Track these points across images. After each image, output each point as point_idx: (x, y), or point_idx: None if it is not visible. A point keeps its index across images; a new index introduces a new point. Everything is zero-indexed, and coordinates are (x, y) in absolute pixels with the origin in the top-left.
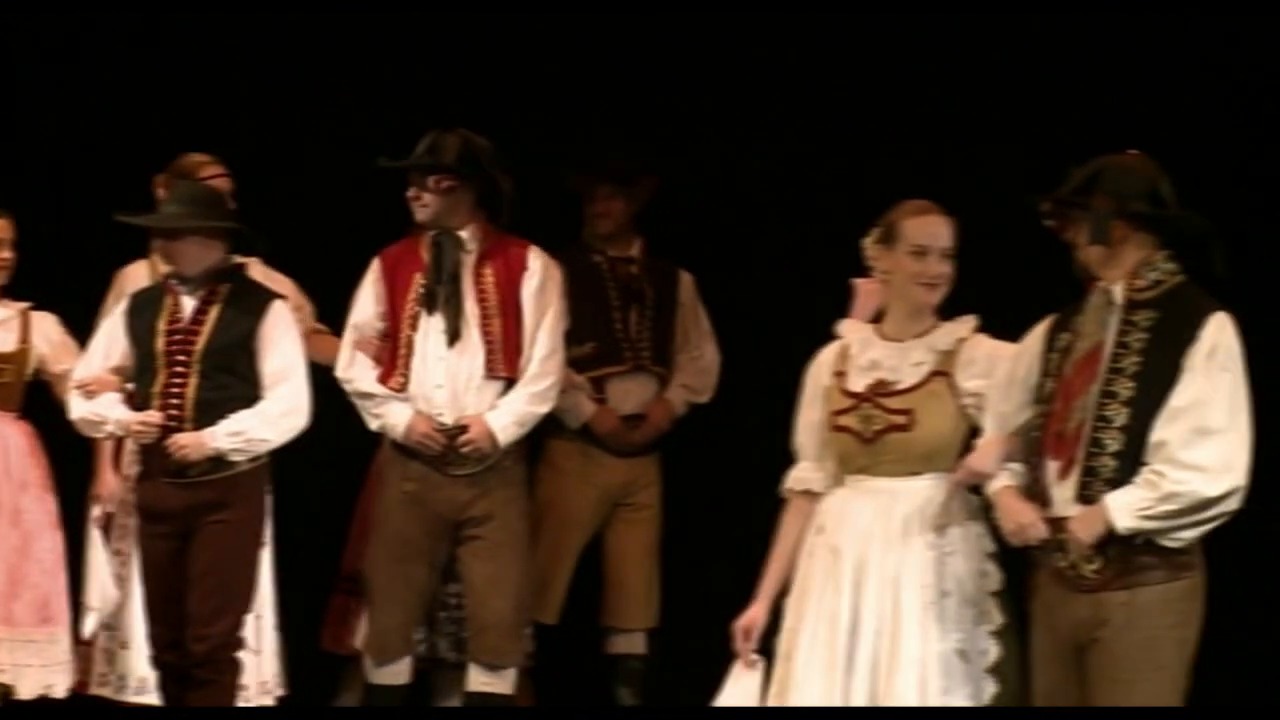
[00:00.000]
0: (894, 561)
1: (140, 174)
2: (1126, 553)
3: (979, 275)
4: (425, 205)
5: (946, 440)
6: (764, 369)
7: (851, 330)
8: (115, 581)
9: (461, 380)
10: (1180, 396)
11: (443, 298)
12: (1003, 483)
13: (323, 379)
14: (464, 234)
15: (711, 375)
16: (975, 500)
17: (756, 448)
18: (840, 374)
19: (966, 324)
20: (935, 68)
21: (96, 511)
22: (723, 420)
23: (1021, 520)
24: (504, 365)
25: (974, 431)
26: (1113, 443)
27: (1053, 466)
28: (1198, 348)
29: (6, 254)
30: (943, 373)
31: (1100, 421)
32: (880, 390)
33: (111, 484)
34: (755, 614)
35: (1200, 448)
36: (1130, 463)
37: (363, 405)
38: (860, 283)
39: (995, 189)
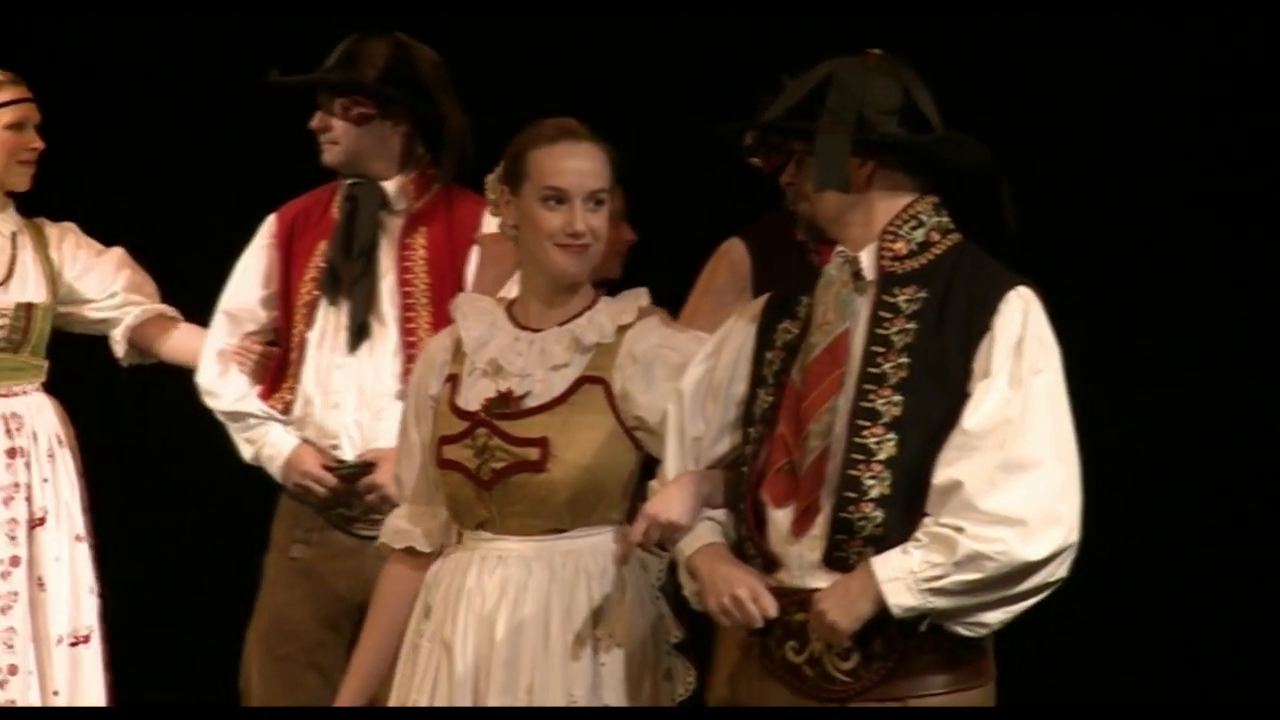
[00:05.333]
0: (528, 666)
1: None
2: (899, 645)
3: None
4: (334, 140)
5: (600, 482)
6: None
7: (470, 311)
8: None
9: (369, 399)
10: (975, 415)
11: (350, 278)
12: (702, 540)
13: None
14: (389, 186)
15: None
16: (656, 569)
17: None
18: (453, 379)
19: (633, 301)
20: None
21: None
22: None
23: (736, 591)
24: None
25: (648, 466)
26: (875, 484)
27: (780, 517)
28: (994, 341)
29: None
30: (596, 378)
31: (855, 453)
32: (502, 409)
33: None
34: None
35: (1012, 490)
36: (903, 512)
37: (232, 427)
38: (485, 237)
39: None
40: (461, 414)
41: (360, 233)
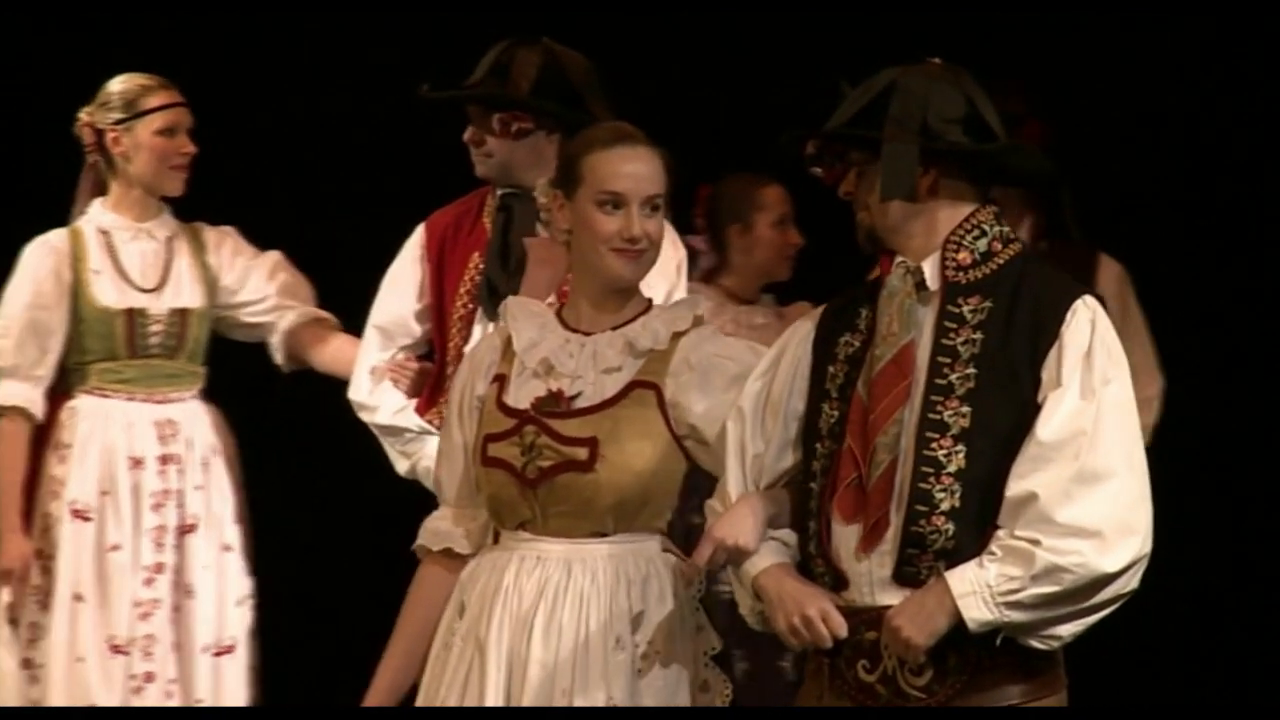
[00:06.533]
0: (567, 669)
1: None
2: (973, 658)
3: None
4: (488, 154)
5: (646, 487)
6: None
7: (520, 314)
8: None
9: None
10: (1049, 426)
11: (508, 293)
12: (768, 560)
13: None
14: (543, 196)
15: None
16: (697, 577)
17: None
18: (500, 379)
19: (688, 309)
20: None
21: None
22: None
23: (806, 611)
24: None
25: (692, 476)
26: (946, 496)
27: (847, 533)
28: (1063, 351)
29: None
30: (648, 384)
31: (925, 465)
32: (551, 408)
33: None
34: None
35: (1088, 502)
36: (973, 525)
37: (387, 441)
38: (535, 242)
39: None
40: (510, 411)
41: (516, 245)
